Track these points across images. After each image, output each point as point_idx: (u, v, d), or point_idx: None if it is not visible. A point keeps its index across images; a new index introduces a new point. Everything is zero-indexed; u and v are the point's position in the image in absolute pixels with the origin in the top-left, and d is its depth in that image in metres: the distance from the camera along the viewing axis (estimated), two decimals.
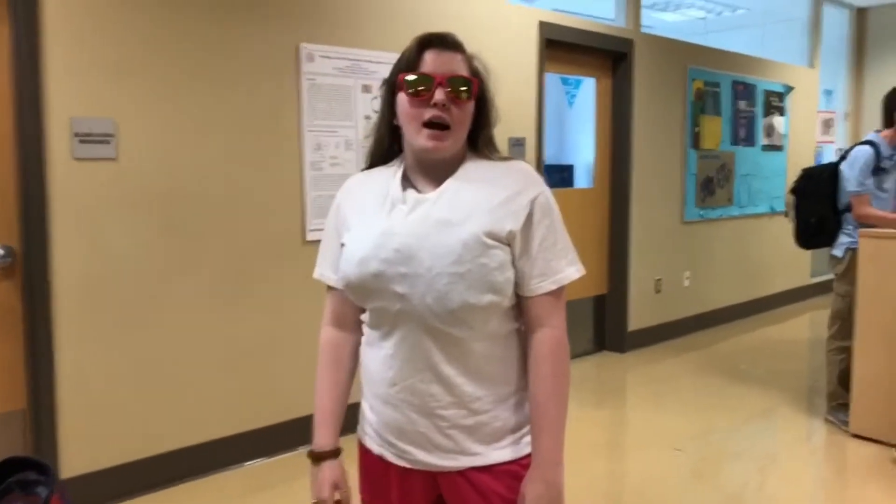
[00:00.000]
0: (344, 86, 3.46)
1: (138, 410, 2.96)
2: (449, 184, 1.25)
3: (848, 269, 3.61)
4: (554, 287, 1.24)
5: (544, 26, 4.37)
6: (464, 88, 1.22)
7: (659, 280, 5.47)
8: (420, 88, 1.21)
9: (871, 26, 7.55)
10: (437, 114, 1.20)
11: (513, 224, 1.21)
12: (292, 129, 3.33)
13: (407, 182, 1.28)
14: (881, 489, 2.98)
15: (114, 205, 2.85)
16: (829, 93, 7.69)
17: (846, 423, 3.56)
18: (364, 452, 1.36)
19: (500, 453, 1.26)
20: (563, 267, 1.25)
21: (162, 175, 2.96)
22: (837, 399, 3.69)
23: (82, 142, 2.73)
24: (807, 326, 6.19)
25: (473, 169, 1.27)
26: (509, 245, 1.22)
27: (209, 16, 3.03)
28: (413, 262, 1.19)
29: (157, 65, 2.91)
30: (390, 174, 1.29)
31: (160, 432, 3.02)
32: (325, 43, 3.39)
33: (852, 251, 3.59)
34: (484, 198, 1.22)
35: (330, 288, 1.40)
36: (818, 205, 3.74)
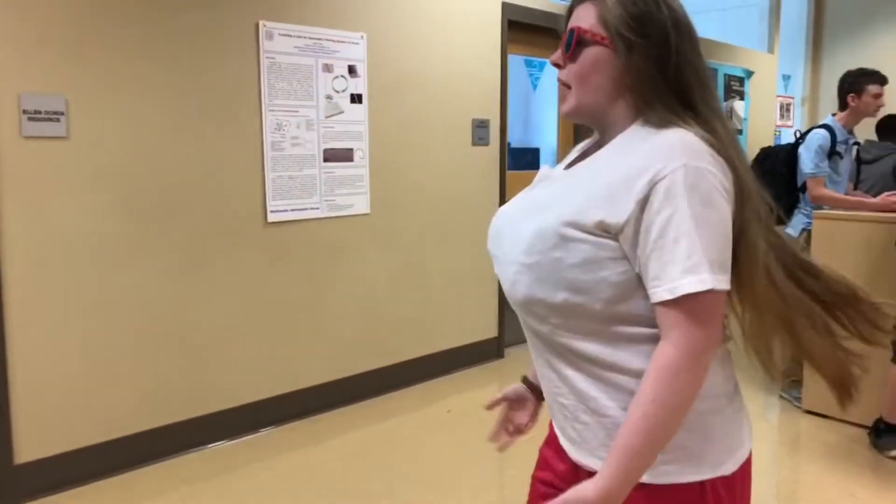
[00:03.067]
0: (305, 65, 3.40)
1: (94, 395, 2.90)
2: (586, 160, 1.10)
3: (804, 250, 3.68)
4: (669, 296, 0.96)
5: (507, 7, 4.35)
6: (567, 42, 1.09)
7: None
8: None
9: (829, 13, 7.69)
10: (558, 76, 1.12)
11: (609, 214, 0.98)
12: (252, 109, 3.27)
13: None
14: (832, 464, 3.07)
15: (66, 185, 2.77)
16: (787, 78, 7.83)
17: (799, 400, 3.66)
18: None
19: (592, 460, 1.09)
20: (682, 273, 0.95)
21: (116, 155, 2.89)
22: (791, 376, 3.79)
23: (31, 119, 2.65)
24: None
25: (622, 142, 1.06)
26: (616, 238, 0.99)
27: None
28: (499, 244, 1.13)
29: (111, 42, 2.83)
30: (592, 141, 1.20)
31: (117, 416, 2.97)
32: (284, 21, 3.33)
33: (808, 232, 3.68)
34: (595, 179, 1.03)
35: None
36: (773, 183, 3.82)
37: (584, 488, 0.99)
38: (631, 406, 0.99)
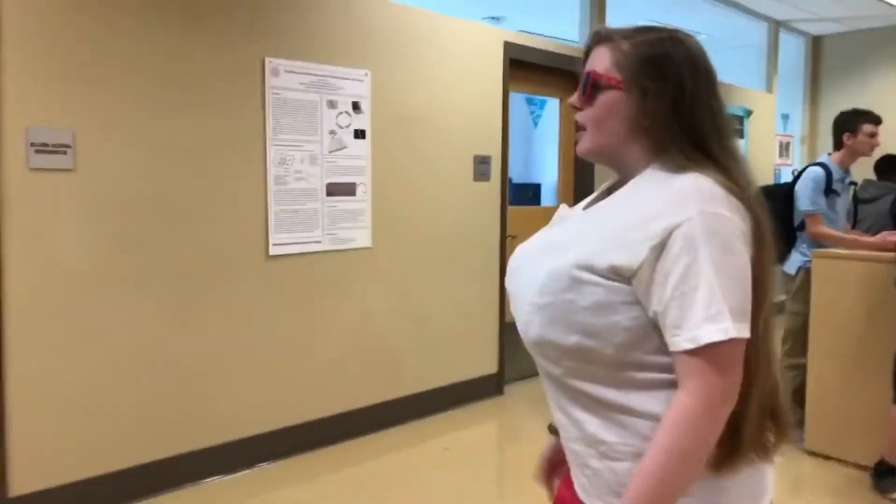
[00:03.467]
0: (310, 101, 3.46)
1: (90, 428, 2.88)
2: (603, 202, 1.11)
3: (801, 288, 3.70)
4: (690, 346, 0.94)
5: (509, 46, 4.43)
6: (584, 85, 1.10)
7: None
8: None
9: (826, 54, 7.81)
10: (574, 117, 1.13)
11: (622, 258, 0.97)
12: (257, 143, 3.31)
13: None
14: None
15: (71, 217, 2.79)
16: (786, 117, 7.92)
17: (801, 440, 3.63)
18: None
19: None
20: (701, 322, 0.93)
21: (122, 187, 2.92)
22: (792, 416, 3.76)
23: (38, 152, 2.68)
24: None
25: (639, 184, 1.06)
26: (629, 283, 0.98)
27: (174, 27, 3.01)
28: (516, 283, 1.13)
29: (119, 76, 2.88)
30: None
31: (112, 449, 2.94)
32: (290, 58, 3.39)
33: (805, 270, 3.68)
34: (610, 222, 1.03)
35: None
36: (773, 222, 3.84)
37: None
38: (646, 454, 0.97)
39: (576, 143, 1.15)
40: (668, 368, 1.00)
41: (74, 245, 2.81)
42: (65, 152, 2.75)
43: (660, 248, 0.96)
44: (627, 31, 1.10)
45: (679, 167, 1.03)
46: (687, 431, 0.95)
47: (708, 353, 0.94)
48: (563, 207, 1.21)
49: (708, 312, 0.94)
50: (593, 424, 1.05)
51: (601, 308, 0.99)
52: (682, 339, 0.95)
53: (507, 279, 1.18)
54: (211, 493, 3.09)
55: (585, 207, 1.18)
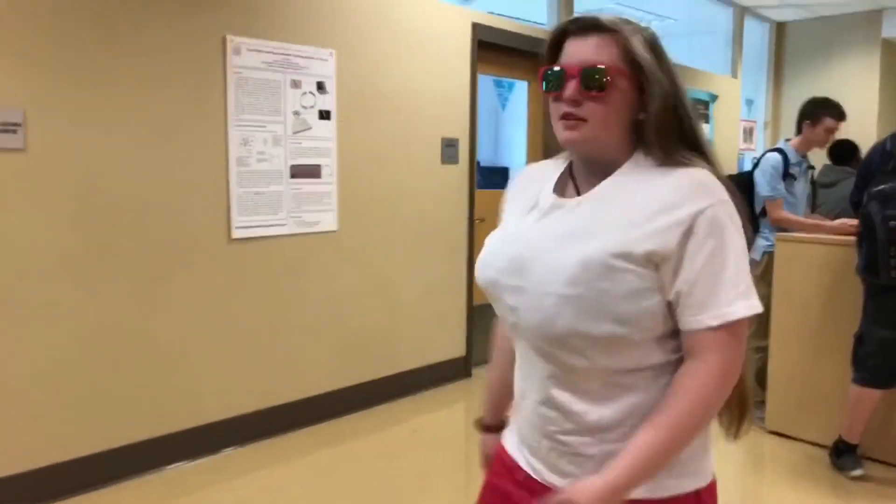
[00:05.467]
0: (273, 80, 3.38)
1: (47, 414, 2.81)
2: (597, 189, 1.09)
3: (765, 272, 3.75)
4: (715, 322, 1.01)
5: (477, 27, 4.39)
6: (597, 82, 1.04)
7: None
8: (553, 85, 1.08)
9: (790, 40, 7.91)
10: (567, 111, 1.06)
11: (657, 244, 1.01)
12: (218, 124, 3.23)
13: (570, 179, 1.16)
14: (794, 484, 3.10)
15: (22, 198, 2.69)
16: (750, 102, 8.02)
17: (762, 420, 3.70)
18: (501, 447, 1.27)
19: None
20: (732, 299, 1.01)
21: (76, 169, 2.82)
22: (754, 397, 3.84)
23: None
24: None
25: (633, 173, 1.08)
26: (656, 269, 1.02)
27: (130, 3, 2.91)
28: (525, 274, 1.07)
29: (72, 53, 2.78)
30: (556, 168, 1.19)
31: (71, 437, 2.87)
32: (253, 36, 3.30)
33: (768, 254, 3.74)
34: (629, 209, 1.04)
35: None
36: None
37: (591, 479, 1.03)
38: (658, 415, 1.03)
39: (566, 132, 1.08)
40: (676, 350, 1.07)
41: (28, 228, 2.71)
42: (15, 131, 2.64)
43: (688, 233, 1.01)
44: (621, 21, 1.08)
45: (670, 158, 1.06)
46: (706, 401, 1.02)
47: (731, 327, 1.02)
48: (552, 196, 1.14)
49: (738, 290, 1.02)
50: (595, 412, 1.07)
51: (635, 295, 1.01)
52: (707, 317, 1.01)
53: (501, 273, 1.11)
54: (175, 480, 3.04)
55: (560, 195, 1.14)
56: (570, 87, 1.06)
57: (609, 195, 1.08)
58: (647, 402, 1.06)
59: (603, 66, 1.04)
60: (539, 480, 1.15)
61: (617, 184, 1.08)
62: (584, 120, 1.06)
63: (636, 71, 1.06)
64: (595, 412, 1.07)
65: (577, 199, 1.11)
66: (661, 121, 1.06)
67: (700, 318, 1.01)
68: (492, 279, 1.13)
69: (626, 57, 1.05)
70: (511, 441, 1.24)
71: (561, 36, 1.11)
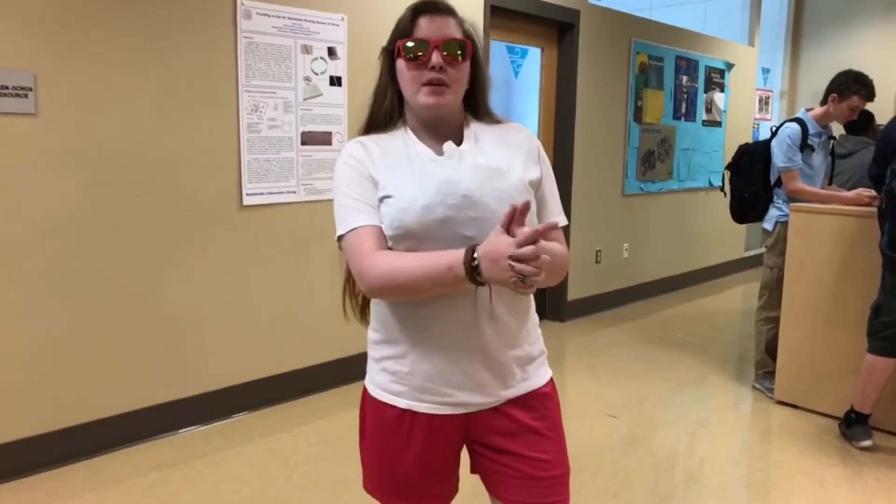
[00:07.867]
0: (283, 45, 3.34)
1: (62, 378, 2.84)
2: (472, 140, 1.34)
3: (777, 242, 3.72)
4: (564, 222, 1.41)
5: None
6: (459, 51, 1.28)
7: (599, 251, 5.55)
8: (418, 54, 1.27)
9: (808, 8, 7.74)
10: (435, 76, 1.26)
11: (537, 172, 1.35)
12: (228, 90, 3.21)
13: (421, 140, 1.34)
14: (801, 453, 3.11)
15: (33, 164, 2.70)
16: (766, 71, 7.87)
17: (771, 391, 3.70)
18: (378, 410, 1.40)
19: (529, 383, 1.37)
20: (560, 208, 1.41)
21: (87, 134, 2.82)
22: (764, 367, 3.83)
23: None
24: (740, 298, 6.39)
25: (481, 129, 1.37)
26: (535, 189, 1.35)
27: None
28: (480, 206, 1.25)
29: (83, 17, 2.75)
30: (399, 136, 1.35)
31: (86, 400, 2.91)
32: (263, 0, 3.26)
33: (782, 224, 3.70)
34: (510, 150, 1.34)
35: (357, 236, 1.30)
36: (751, 180, 3.84)
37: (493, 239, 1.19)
38: (559, 249, 1.32)
39: (431, 97, 1.27)
40: None
41: (42, 194, 2.72)
42: (26, 95, 2.64)
43: (539, 163, 1.38)
44: (455, 8, 1.35)
45: (491, 116, 1.40)
46: (565, 259, 1.35)
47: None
48: (451, 144, 1.32)
49: (559, 203, 1.43)
50: (514, 322, 1.33)
51: (537, 210, 1.35)
52: (561, 218, 1.40)
53: (456, 209, 1.24)
54: (187, 444, 3.09)
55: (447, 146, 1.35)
56: (436, 56, 1.26)
57: (485, 142, 1.34)
58: (531, 305, 1.40)
59: (462, 41, 1.29)
60: (437, 413, 1.33)
61: (480, 136, 1.35)
62: (446, 85, 1.27)
63: (474, 47, 1.33)
64: (514, 322, 1.34)
65: (466, 146, 1.32)
66: (485, 90, 1.39)
67: (559, 218, 1.38)
68: (445, 217, 1.24)
69: (467, 36, 1.32)
70: (394, 396, 1.37)
71: (415, 15, 1.32)
